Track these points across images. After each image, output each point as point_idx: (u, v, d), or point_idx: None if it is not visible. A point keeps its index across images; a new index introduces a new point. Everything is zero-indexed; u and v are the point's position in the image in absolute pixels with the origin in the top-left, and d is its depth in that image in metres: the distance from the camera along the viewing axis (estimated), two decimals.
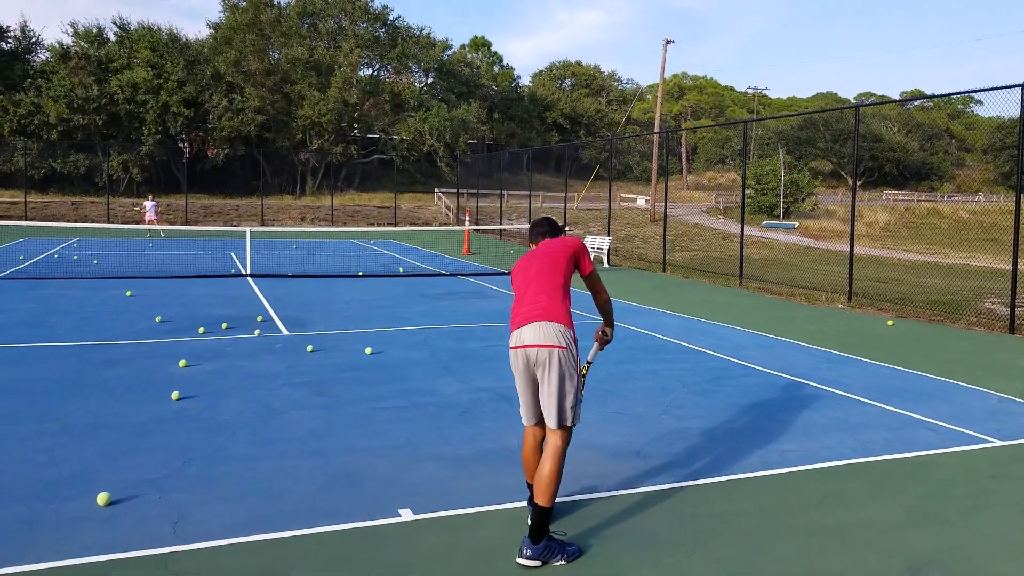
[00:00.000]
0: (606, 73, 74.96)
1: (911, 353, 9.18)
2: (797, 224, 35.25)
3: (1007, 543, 4.08)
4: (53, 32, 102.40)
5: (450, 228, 32.57)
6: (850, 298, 13.57)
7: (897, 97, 75.15)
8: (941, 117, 76.88)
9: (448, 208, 42.14)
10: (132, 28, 46.46)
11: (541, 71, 73.98)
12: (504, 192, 35.98)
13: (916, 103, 76.76)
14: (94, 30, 45.73)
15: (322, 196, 44.93)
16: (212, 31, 49.25)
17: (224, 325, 10.05)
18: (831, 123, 61.16)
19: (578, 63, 74.09)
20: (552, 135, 62.88)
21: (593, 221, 34.02)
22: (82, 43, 44.91)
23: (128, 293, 13.08)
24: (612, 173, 32.04)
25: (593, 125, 66.81)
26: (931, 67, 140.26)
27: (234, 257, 20.48)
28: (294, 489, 4.60)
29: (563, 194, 29.37)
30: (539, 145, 55.75)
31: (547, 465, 3.83)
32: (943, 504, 4.58)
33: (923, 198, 55.50)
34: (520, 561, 3.72)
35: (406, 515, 4.25)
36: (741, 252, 17.29)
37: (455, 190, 42.09)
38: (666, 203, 20.32)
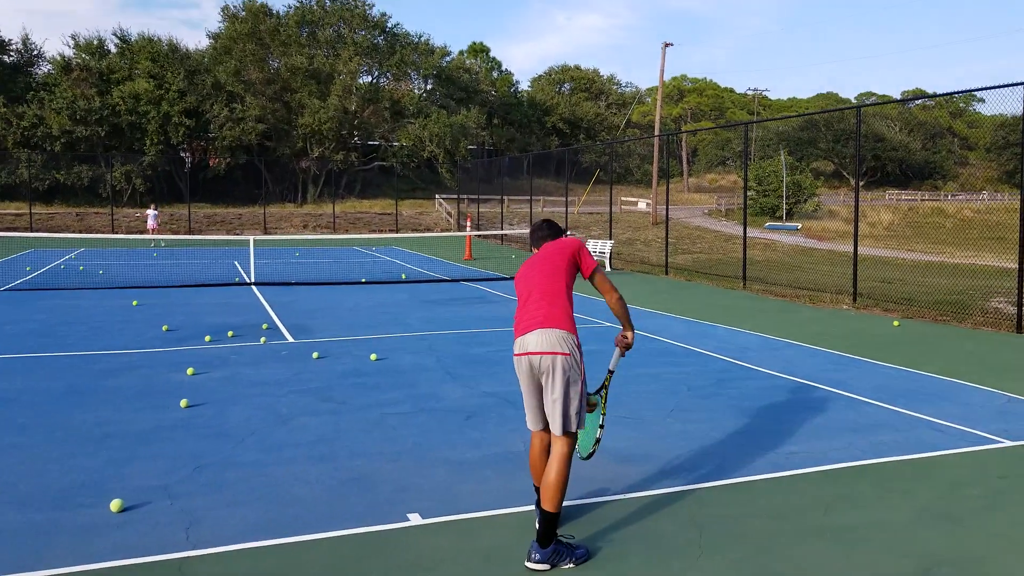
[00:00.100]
0: (605, 77, 74.91)
1: (918, 354, 9.16)
2: (800, 226, 35.20)
3: (1018, 543, 4.07)
4: (54, 44, 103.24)
5: (451, 234, 32.58)
6: (855, 299, 13.54)
7: (898, 96, 75.12)
8: (943, 116, 76.66)
9: (449, 214, 42.20)
10: (132, 39, 46.71)
11: (540, 76, 73.89)
12: (505, 197, 36.02)
13: (917, 102, 76.55)
14: (95, 42, 46.02)
15: (324, 204, 45.06)
16: (212, 41, 49.53)
17: (230, 333, 10.10)
18: (832, 123, 61.15)
19: (577, 67, 74.01)
20: (552, 139, 62.93)
21: (595, 225, 34.04)
22: (83, 55, 45.20)
23: (134, 303, 13.13)
24: (613, 177, 32.04)
25: (593, 129, 66.83)
26: (931, 67, 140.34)
27: (238, 265, 20.52)
28: (304, 494, 4.62)
29: (564, 198, 29.40)
30: (539, 150, 55.80)
31: (553, 471, 3.83)
32: (954, 505, 4.57)
33: (927, 197, 55.47)
34: (529, 565, 3.73)
35: (415, 519, 4.26)
36: (744, 254, 17.18)
37: (456, 196, 42.16)
38: (667, 206, 20.31)
